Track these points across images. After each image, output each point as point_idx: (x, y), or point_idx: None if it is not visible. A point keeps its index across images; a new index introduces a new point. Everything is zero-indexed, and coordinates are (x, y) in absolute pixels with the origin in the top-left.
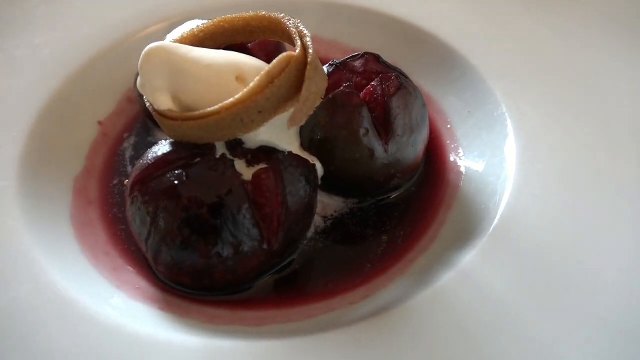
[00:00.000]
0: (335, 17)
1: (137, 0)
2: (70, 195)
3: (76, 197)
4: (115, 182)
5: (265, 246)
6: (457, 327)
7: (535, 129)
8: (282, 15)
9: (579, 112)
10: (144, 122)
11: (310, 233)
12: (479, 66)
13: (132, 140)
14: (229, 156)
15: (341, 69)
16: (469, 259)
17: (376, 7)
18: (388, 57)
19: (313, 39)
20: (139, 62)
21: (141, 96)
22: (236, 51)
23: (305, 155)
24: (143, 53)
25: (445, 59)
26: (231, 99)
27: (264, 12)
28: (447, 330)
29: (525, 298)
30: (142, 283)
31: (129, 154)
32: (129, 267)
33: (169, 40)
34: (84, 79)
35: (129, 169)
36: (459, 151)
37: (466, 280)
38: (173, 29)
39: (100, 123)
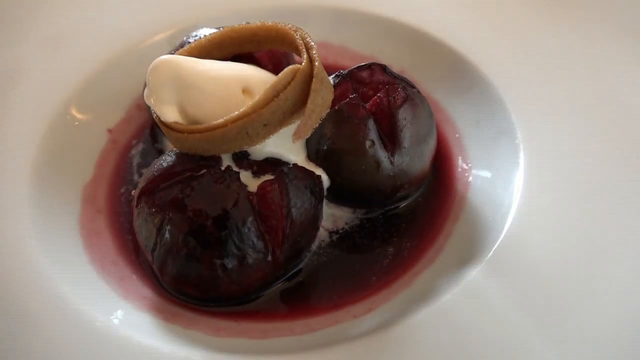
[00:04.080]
0: (344, 23)
1: (146, 8)
2: (79, 203)
3: (85, 206)
4: (123, 190)
5: (269, 258)
6: (460, 344)
7: (545, 141)
8: (289, 25)
9: (590, 124)
10: (152, 128)
11: (316, 245)
12: (489, 75)
13: (140, 147)
14: (234, 168)
15: (347, 79)
16: (475, 274)
17: (386, 14)
18: (397, 63)
19: (322, 44)
20: (147, 76)
21: (149, 106)
22: (243, 60)
23: (311, 166)
24: (151, 67)
25: (455, 67)
26: (237, 112)
27: (271, 23)
28: (450, 347)
29: (530, 316)
30: (148, 293)
31: (136, 161)
32: (136, 277)
33: (177, 48)
34: (93, 86)
35: (137, 176)
36: (467, 161)
37: (471, 297)
38: (181, 36)
39: (109, 130)
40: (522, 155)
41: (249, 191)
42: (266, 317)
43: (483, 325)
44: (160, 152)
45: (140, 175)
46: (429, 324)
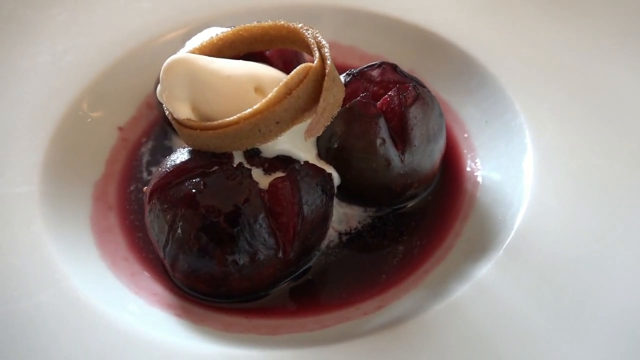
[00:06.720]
0: (353, 24)
1: (156, 7)
2: (90, 200)
3: (96, 203)
4: (132, 187)
5: (280, 255)
6: (471, 341)
7: (554, 140)
8: (300, 25)
9: (598, 123)
10: (162, 126)
11: (325, 244)
12: (497, 75)
13: (150, 145)
14: (246, 165)
15: (358, 78)
16: (485, 271)
17: (394, 14)
18: (406, 64)
19: (331, 44)
20: (161, 73)
21: (161, 103)
22: (254, 59)
23: (321, 164)
24: (165, 65)
25: (464, 66)
26: (249, 110)
27: (282, 22)
28: (460, 344)
29: (540, 312)
30: (159, 289)
31: (146, 159)
32: (147, 273)
33: (188, 47)
34: (104, 84)
35: (147, 174)
36: (476, 160)
37: (481, 294)
38: (191, 35)
39: (120, 128)
40: (531, 154)
41: (260, 188)
42: (277, 313)
43: (494, 324)
44: (170, 150)
45: (150, 173)
46: (439, 321)
